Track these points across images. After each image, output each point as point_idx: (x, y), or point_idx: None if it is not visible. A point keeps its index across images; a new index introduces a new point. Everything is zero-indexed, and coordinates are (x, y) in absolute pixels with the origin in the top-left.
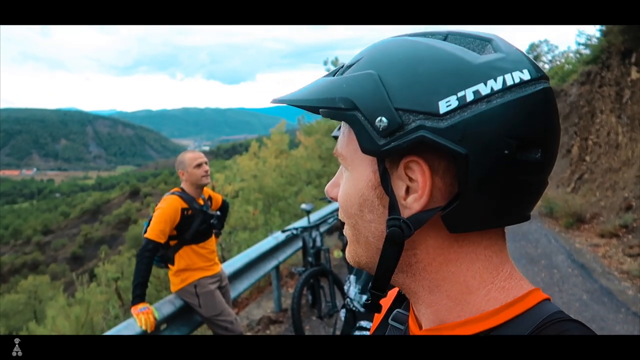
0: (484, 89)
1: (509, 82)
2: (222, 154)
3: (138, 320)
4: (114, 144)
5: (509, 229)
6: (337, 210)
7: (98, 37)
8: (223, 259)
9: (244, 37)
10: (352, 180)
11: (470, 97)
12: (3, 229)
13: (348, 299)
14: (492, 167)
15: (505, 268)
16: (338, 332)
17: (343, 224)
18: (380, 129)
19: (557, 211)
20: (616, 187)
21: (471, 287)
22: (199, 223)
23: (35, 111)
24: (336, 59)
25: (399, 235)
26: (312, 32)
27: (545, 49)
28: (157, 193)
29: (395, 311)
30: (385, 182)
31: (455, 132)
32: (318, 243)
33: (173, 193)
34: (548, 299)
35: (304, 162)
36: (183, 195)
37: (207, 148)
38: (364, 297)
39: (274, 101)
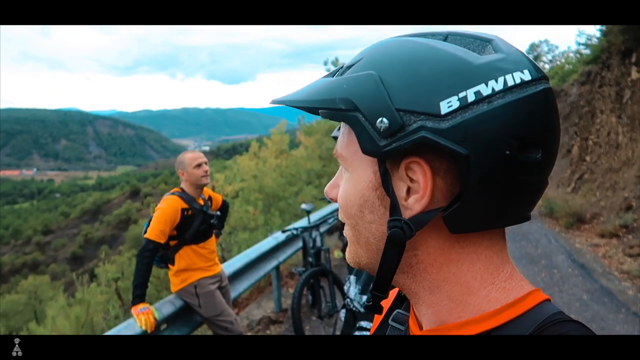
0: (485, 90)
1: (510, 83)
2: (222, 154)
3: (138, 321)
4: (114, 144)
5: (509, 229)
6: (337, 210)
7: (98, 37)
8: (223, 259)
9: (244, 37)
10: (352, 181)
11: (471, 97)
12: (3, 229)
13: (348, 299)
14: (493, 168)
15: (505, 268)
16: (338, 333)
17: (343, 224)
18: (381, 130)
19: (557, 211)
20: (616, 187)
21: (472, 288)
22: (199, 223)
23: (35, 111)
24: (336, 59)
25: (401, 236)
26: (312, 32)
27: (546, 49)
28: (157, 193)
29: (395, 312)
30: (386, 183)
31: (457, 132)
32: (318, 243)
33: (173, 193)
34: (548, 300)
35: (304, 162)
36: (183, 195)
37: (207, 148)
38: (364, 298)
39: (274, 102)
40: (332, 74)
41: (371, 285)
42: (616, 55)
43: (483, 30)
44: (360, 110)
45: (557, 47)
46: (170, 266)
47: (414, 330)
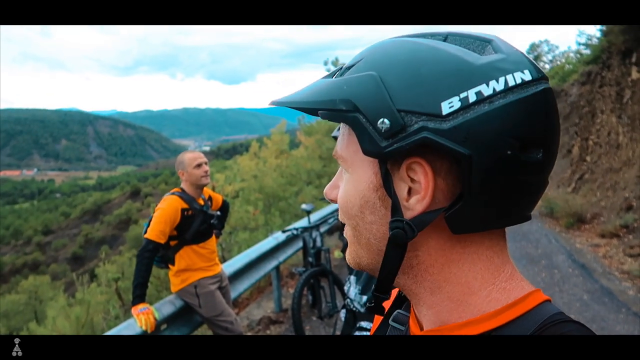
0: (486, 90)
1: (511, 83)
2: (223, 154)
3: (138, 321)
4: (114, 144)
5: (509, 229)
6: (337, 210)
7: (98, 37)
8: (223, 259)
9: (244, 37)
10: (352, 182)
11: (472, 98)
12: (4, 229)
13: (348, 300)
14: (495, 168)
15: (506, 269)
16: (338, 333)
17: (343, 224)
18: (383, 131)
19: (557, 211)
20: (617, 187)
21: (473, 288)
22: (199, 223)
23: (35, 111)
24: (336, 59)
25: (402, 237)
26: (312, 32)
27: (546, 49)
28: (157, 193)
29: (395, 312)
30: (387, 183)
31: (459, 133)
32: (318, 243)
33: (173, 193)
34: (548, 300)
35: (304, 162)
36: (183, 195)
37: (207, 148)
38: (364, 298)
39: (273, 103)
40: (331, 75)
41: (373, 286)
42: (616, 55)
43: (483, 30)
44: (361, 111)
45: (557, 47)
46: (170, 266)
47: (415, 331)
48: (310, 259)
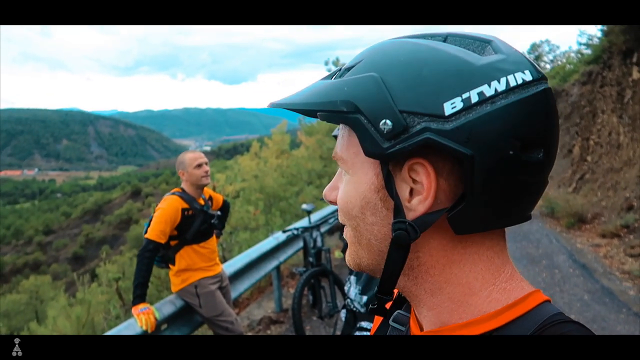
0: (488, 90)
1: (512, 83)
2: (223, 154)
3: (139, 321)
4: (115, 144)
5: (509, 230)
6: (337, 210)
7: (98, 37)
8: (224, 259)
9: (244, 37)
10: (353, 184)
11: (474, 98)
12: (5, 229)
13: (348, 300)
14: (497, 168)
15: (506, 269)
16: (338, 333)
17: (344, 225)
18: (385, 132)
19: (558, 211)
20: (617, 187)
21: (473, 289)
22: (199, 223)
23: (36, 111)
24: (337, 59)
25: (405, 238)
26: (312, 32)
27: (547, 49)
28: (158, 193)
29: (396, 312)
30: (389, 185)
31: (461, 133)
32: (319, 243)
33: (173, 193)
34: (548, 301)
35: (305, 162)
36: (183, 195)
37: (208, 148)
38: (365, 298)
39: (272, 105)
40: (330, 77)
41: (373, 287)
42: (617, 55)
43: (484, 30)
44: (363, 113)
45: (558, 47)
46: (170, 266)
47: (415, 332)
48: (310, 259)
